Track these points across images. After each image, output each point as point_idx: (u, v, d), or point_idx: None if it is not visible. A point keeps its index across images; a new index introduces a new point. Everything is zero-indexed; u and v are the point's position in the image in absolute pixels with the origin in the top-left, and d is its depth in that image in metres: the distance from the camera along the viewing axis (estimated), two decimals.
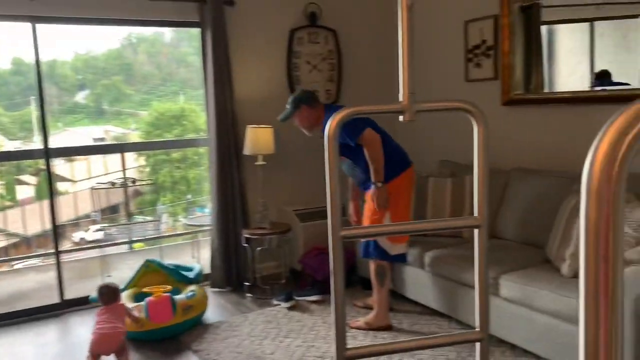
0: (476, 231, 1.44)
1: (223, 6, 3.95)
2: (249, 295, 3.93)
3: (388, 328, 3.21)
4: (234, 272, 4.09)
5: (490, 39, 3.81)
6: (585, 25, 3.31)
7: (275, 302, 3.75)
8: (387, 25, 4.60)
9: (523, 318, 2.66)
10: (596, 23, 3.23)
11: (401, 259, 3.31)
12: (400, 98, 1.22)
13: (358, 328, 3.22)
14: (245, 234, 3.96)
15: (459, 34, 4.08)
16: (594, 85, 3.21)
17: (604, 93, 3.14)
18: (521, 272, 2.78)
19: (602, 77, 3.17)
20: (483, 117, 1.36)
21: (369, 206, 3.19)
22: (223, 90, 3.97)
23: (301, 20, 4.36)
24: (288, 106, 3.29)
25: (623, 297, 0.51)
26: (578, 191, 2.31)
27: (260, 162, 3.99)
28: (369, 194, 3.15)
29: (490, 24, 3.79)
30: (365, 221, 3.22)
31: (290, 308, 3.63)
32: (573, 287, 2.49)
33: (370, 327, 3.20)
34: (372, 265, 3.30)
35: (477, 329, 1.42)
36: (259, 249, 4.07)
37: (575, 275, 2.61)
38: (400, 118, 1.23)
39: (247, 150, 3.96)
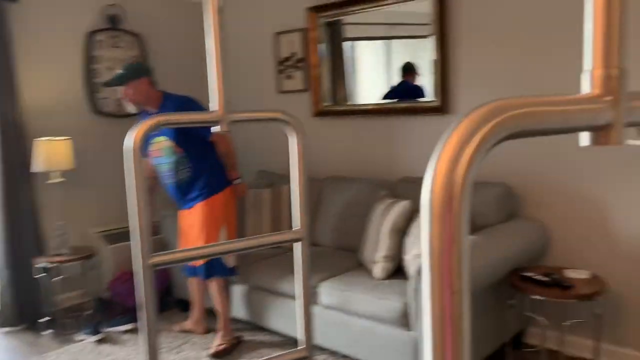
0: (297, 244, 1.39)
1: (2, 2, 3.42)
2: (48, 331, 3.43)
3: (239, 341, 3.08)
4: (28, 307, 3.54)
5: (300, 51, 3.89)
6: (381, 43, 3.55)
7: (80, 336, 3.33)
8: (197, 31, 4.44)
9: (342, 323, 2.72)
10: (392, 41, 3.49)
11: (235, 272, 3.14)
12: (214, 107, 1.11)
13: (218, 355, 2.97)
14: (41, 262, 3.45)
15: (270, 46, 4.10)
16: (387, 96, 3.45)
17: (399, 105, 3.40)
18: (338, 278, 2.85)
19: (408, 71, 3.36)
20: (300, 127, 1.31)
21: (196, 222, 2.93)
22: (5, 99, 3.43)
23: (100, 22, 3.98)
24: (124, 71, 2.84)
25: (469, 326, 0.47)
26: (386, 197, 2.41)
27: (56, 180, 3.52)
28: (199, 207, 2.90)
29: (299, 37, 3.87)
30: (196, 241, 2.92)
31: (98, 341, 3.25)
32: (386, 288, 2.61)
33: (227, 348, 2.99)
34: (215, 284, 3.03)
35: (302, 347, 1.36)
36: (58, 278, 3.58)
37: (387, 277, 2.75)
38: (216, 128, 1.12)
39: (37, 166, 3.44)
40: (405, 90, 3.40)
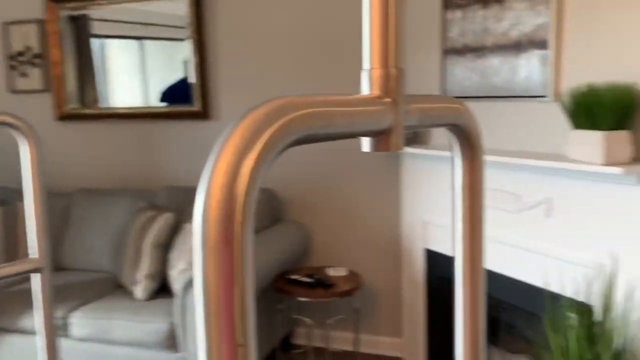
0: (35, 275, 1.15)
1: None
2: None
3: None
4: None
5: (37, 46, 3.37)
6: (136, 43, 3.29)
7: None
8: None
9: (100, 355, 2.41)
10: (147, 42, 3.26)
11: None
12: None
13: None
14: None
15: None
16: (166, 95, 3.20)
17: (158, 110, 3.19)
18: (93, 305, 2.52)
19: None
20: (33, 133, 1.08)
21: None
22: None
23: None
24: None
25: None
26: (146, 209, 2.20)
27: None
28: None
29: (35, 29, 3.35)
30: None
31: None
32: (149, 310, 2.39)
33: None
34: None
35: None
36: None
37: (151, 297, 2.53)
38: None
39: None
40: (179, 90, 3.17)
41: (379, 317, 2.90)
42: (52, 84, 3.36)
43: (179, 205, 2.77)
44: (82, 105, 3.37)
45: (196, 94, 3.09)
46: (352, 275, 2.66)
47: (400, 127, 0.52)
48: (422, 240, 2.54)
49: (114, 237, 2.92)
